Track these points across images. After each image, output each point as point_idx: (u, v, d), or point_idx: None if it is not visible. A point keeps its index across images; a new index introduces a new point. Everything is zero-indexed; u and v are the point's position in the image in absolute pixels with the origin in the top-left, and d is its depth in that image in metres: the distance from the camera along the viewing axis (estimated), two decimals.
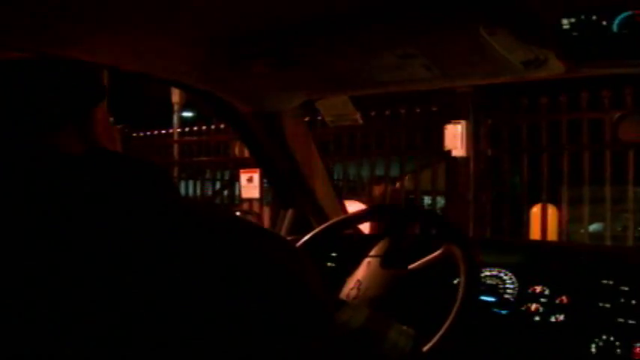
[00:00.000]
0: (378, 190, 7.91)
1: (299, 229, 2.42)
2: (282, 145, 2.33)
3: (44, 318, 0.80)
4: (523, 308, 1.87)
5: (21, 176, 0.88)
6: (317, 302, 0.93)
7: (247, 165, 7.33)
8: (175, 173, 9.65)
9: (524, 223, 6.63)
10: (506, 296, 1.92)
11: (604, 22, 1.33)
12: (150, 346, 0.80)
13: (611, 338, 1.68)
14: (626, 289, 1.77)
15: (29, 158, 0.91)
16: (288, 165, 2.39)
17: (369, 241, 2.03)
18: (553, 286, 1.87)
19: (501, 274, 1.98)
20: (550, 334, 1.79)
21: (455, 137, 6.65)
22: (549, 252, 2.22)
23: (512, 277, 1.96)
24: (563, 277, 1.90)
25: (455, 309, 1.65)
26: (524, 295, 1.90)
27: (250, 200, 7.55)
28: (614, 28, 1.32)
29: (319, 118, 5.63)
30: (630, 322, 1.70)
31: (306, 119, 2.49)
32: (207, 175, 9.73)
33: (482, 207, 6.86)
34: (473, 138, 6.69)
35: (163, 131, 10.06)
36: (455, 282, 1.91)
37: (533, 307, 1.85)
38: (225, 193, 9.53)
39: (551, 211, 6.56)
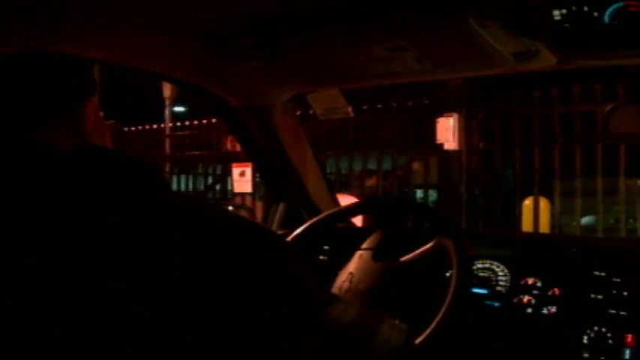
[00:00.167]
0: (370, 183, 7.91)
1: (291, 222, 2.41)
2: (273, 138, 2.33)
3: (31, 314, 0.79)
4: (515, 300, 1.87)
5: (10, 171, 0.87)
6: (308, 297, 0.93)
7: (239, 159, 7.31)
8: (167, 168, 9.63)
9: (517, 216, 6.64)
10: (499, 288, 1.92)
11: (595, 13, 1.32)
12: (140, 342, 0.79)
13: (603, 329, 1.68)
14: (618, 280, 1.77)
15: (18, 153, 0.90)
16: (280, 158, 2.38)
17: (361, 233, 2.03)
18: (545, 278, 1.87)
19: (493, 267, 1.98)
20: (542, 325, 1.79)
21: (447, 130, 6.65)
22: (541, 244, 2.22)
23: (505, 269, 1.96)
24: (555, 269, 1.90)
25: (447, 301, 1.65)
26: (516, 288, 1.90)
27: (243, 194, 7.53)
28: (606, 19, 1.32)
29: (311, 112, 5.62)
30: (622, 313, 1.70)
31: (298, 113, 2.48)
32: (200, 170, 9.72)
33: (475, 200, 6.87)
34: (465, 131, 6.69)
35: (155, 126, 10.03)
36: (447, 274, 1.91)
37: (526, 299, 1.85)
38: (218, 187, 9.52)
39: (544, 203, 6.57)
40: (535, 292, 1.86)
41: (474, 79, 6.33)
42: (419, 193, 7.72)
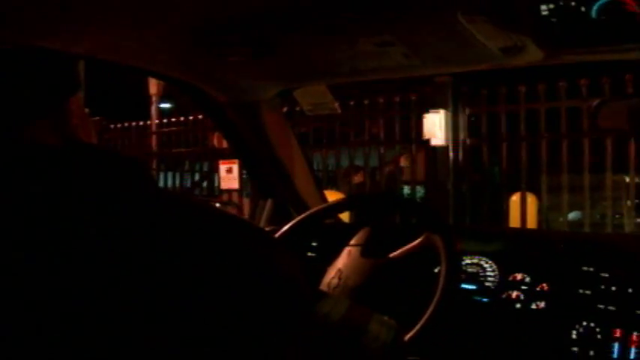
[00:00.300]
0: (357, 178, 7.91)
1: (279, 219, 2.41)
2: (260, 134, 2.32)
3: (18, 312, 0.79)
4: (504, 296, 1.87)
5: None
6: (297, 294, 0.92)
7: (226, 156, 7.30)
8: (154, 165, 9.60)
9: (504, 212, 6.65)
10: (487, 284, 1.92)
11: (583, 8, 1.32)
12: (129, 338, 0.79)
13: (592, 324, 1.69)
14: (607, 275, 1.78)
15: (3, 152, 0.89)
16: (267, 155, 2.38)
17: (349, 230, 2.02)
18: (533, 273, 1.88)
19: (482, 262, 1.98)
20: (531, 321, 1.80)
21: (434, 126, 6.66)
22: (530, 240, 2.22)
23: (493, 264, 1.96)
24: (543, 264, 1.90)
25: (436, 297, 1.65)
26: (504, 283, 1.90)
27: (230, 191, 7.52)
28: (593, 14, 1.32)
29: (298, 108, 5.62)
30: (610, 308, 1.71)
31: (285, 109, 2.48)
32: (186, 167, 9.68)
33: (462, 196, 6.88)
34: (452, 127, 6.70)
35: (141, 123, 10.00)
36: (435, 270, 1.91)
37: (514, 294, 1.86)
38: (205, 184, 9.49)
39: (531, 199, 6.58)
40: (524, 287, 1.86)
41: (460, 75, 6.35)
42: (406, 189, 7.73)
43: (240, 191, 7.50)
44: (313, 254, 2.28)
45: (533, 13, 1.36)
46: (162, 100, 11.44)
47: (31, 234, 0.81)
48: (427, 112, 6.71)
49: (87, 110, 1.11)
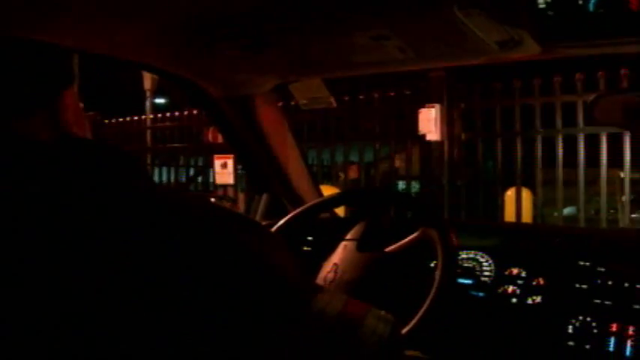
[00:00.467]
0: (352, 173, 7.91)
1: (274, 213, 2.40)
2: (256, 129, 2.31)
3: (12, 306, 0.78)
4: (500, 290, 1.87)
5: None
6: (293, 288, 0.92)
7: (221, 151, 7.29)
8: (148, 160, 9.59)
9: (499, 207, 6.66)
10: (483, 279, 1.92)
11: (580, 2, 1.32)
12: (125, 334, 0.78)
13: (588, 319, 1.69)
14: (603, 270, 1.78)
15: None
16: (263, 149, 2.37)
17: (345, 224, 2.02)
18: (530, 268, 1.88)
19: (478, 257, 1.98)
20: (527, 315, 1.79)
21: (429, 121, 6.66)
22: (526, 234, 2.22)
23: (489, 259, 1.96)
24: (539, 259, 1.90)
25: (432, 291, 1.65)
26: (501, 278, 1.90)
27: (225, 186, 7.52)
28: (590, 7, 1.31)
29: (293, 103, 5.61)
30: (606, 302, 1.71)
31: (280, 104, 2.47)
32: (181, 162, 9.67)
33: (457, 191, 6.89)
34: (447, 122, 6.70)
35: (136, 118, 9.98)
36: (431, 265, 1.91)
37: (510, 289, 1.85)
38: (200, 179, 9.49)
39: (526, 194, 6.60)
40: (520, 282, 1.86)
41: (455, 70, 6.35)
42: (401, 185, 7.74)
43: (235, 186, 7.49)
44: (309, 249, 2.28)
45: (530, 6, 1.36)
46: (157, 95, 11.43)
47: (24, 230, 0.81)
48: (422, 107, 6.70)
49: (82, 105, 1.10)
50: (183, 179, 9.59)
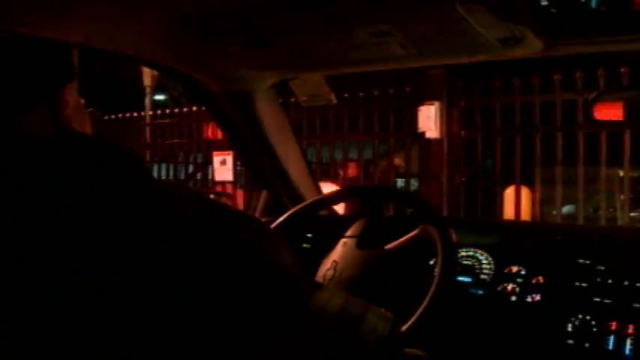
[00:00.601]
0: (352, 170, 7.91)
1: (273, 210, 2.40)
2: (255, 125, 2.31)
3: (11, 303, 0.78)
4: (499, 288, 1.87)
5: None
6: (292, 286, 0.92)
7: (220, 147, 7.29)
8: (148, 156, 9.59)
9: (498, 205, 6.66)
10: (483, 277, 1.92)
11: None
12: (124, 331, 0.78)
13: (587, 317, 1.69)
14: (603, 268, 1.77)
15: None
16: (262, 146, 2.37)
17: (344, 221, 2.02)
18: (529, 266, 1.87)
19: (477, 255, 1.98)
20: (526, 313, 1.79)
21: (428, 119, 6.66)
22: (525, 232, 2.22)
23: (489, 257, 1.95)
24: (539, 257, 1.90)
25: (432, 289, 1.64)
26: (500, 276, 1.89)
27: (224, 183, 7.52)
28: (593, 4, 1.31)
29: (293, 99, 5.61)
30: (606, 301, 1.71)
31: (280, 101, 2.47)
32: (180, 158, 9.67)
33: (456, 189, 6.89)
34: (446, 119, 6.70)
35: (135, 114, 9.98)
36: (431, 262, 1.90)
37: (510, 287, 1.85)
38: (199, 175, 9.48)
39: (525, 192, 6.60)
40: (519, 280, 1.86)
41: (455, 67, 6.35)
42: (400, 182, 7.74)
43: (234, 183, 7.49)
44: (308, 246, 2.27)
45: (532, 3, 1.35)
46: (156, 91, 11.41)
47: (23, 226, 0.80)
48: (422, 104, 6.70)
49: (83, 101, 1.10)
50: (182, 176, 9.59)
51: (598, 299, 1.72)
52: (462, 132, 6.82)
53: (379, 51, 1.71)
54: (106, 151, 0.94)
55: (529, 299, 1.81)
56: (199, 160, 9.40)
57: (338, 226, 2.00)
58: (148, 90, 10.37)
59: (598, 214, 6.35)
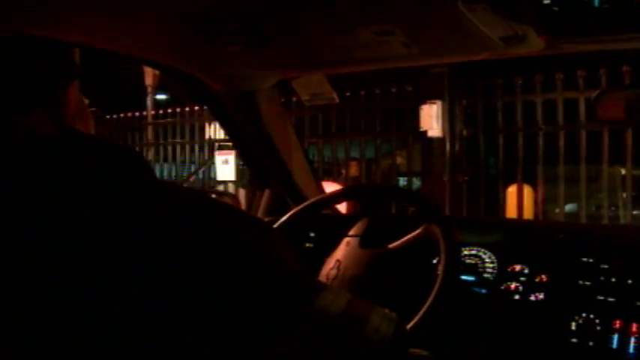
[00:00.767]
0: (354, 169, 7.90)
1: (276, 210, 2.40)
2: (258, 124, 2.31)
3: (11, 302, 0.78)
4: (503, 287, 1.86)
5: None
6: (296, 286, 0.91)
7: (222, 147, 7.29)
8: (149, 156, 9.59)
9: (501, 204, 6.66)
10: (486, 275, 1.91)
11: None
12: (127, 332, 0.78)
13: (591, 316, 1.68)
14: (606, 266, 1.77)
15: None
16: (265, 145, 2.37)
17: (347, 220, 2.02)
18: (533, 264, 1.87)
19: (480, 254, 1.97)
20: (530, 312, 1.79)
21: (430, 118, 6.66)
22: (528, 231, 2.21)
23: (492, 256, 1.95)
24: (542, 255, 1.89)
25: (435, 288, 1.64)
26: (503, 274, 1.89)
27: (226, 182, 7.52)
28: (595, 2, 1.31)
29: (294, 99, 5.62)
30: (610, 299, 1.70)
31: (282, 100, 2.48)
32: (182, 158, 9.68)
33: (458, 187, 6.88)
34: (448, 118, 6.70)
35: (137, 114, 9.98)
36: (434, 261, 1.90)
37: (513, 285, 1.85)
38: (201, 175, 9.49)
39: (527, 191, 6.60)
40: (522, 278, 1.85)
41: (457, 66, 6.35)
42: (402, 181, 7.74)
43: (236, 182, 7.49)
44: (311, 245, 2.27)
45: (534, 1, 1.35)
46: (158, 90, 11.43)
47: (24, 225, 0.80)
48: (424, 103, 6.70)
49: (87, 101, 1.10)
50: (185, 175, 9.60)
51: (602, 298, 1.72)
52: (464, 131, 6.82)
53: (381, 50, 1.70)
54: (108, 151, 0.94)
55: (532, 298, 1.80)
56: (201, 160, 9.41)
57: (341, 226, 2.00)
58: (149, 89, 10.38)
59: (600, 212, 6.35)
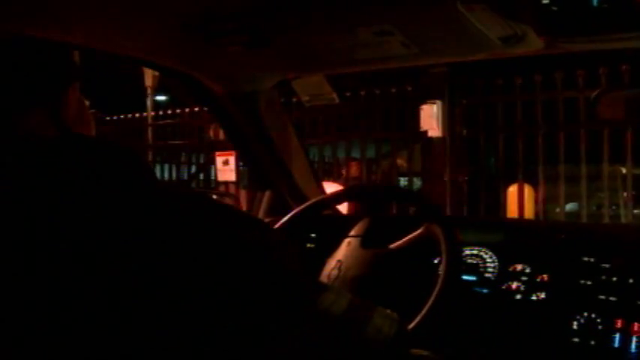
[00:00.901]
0: (354, 170, 7.90)
1: (277, 210, 2.40)
2: (258, 125, 2.31)
3: (14, 305, 0.78)
4: (504, 287, 1.86)
5: None
6: (299, 287, 0.91)
7: (223, 148, 7.28)
8: (150, 157, 9.59)
9: (501, 203, 6.66)
10: (487, 275, 1.91)
11: None
12: (126, 331, 0.78)
13: (593, 315, 1.68)
14: (607, 266, 1.77)
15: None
16: (265, 146, 2.37)
17: (348, 221, 2.02)
18: (534, 264, 1.87)
19: (482, 253, 1.97)
20: (531, 312, 1.79)
21: (431, 118, 6.65)
22: (530, 230, 2.21)
23: (493, 255, 1.95)
24: (543, 255, 1.89)
25: (437, 288, 1.64)
26: (504, 274, 1.89)
27: (226, 183, 7.51)
28: (594, 2, 1.31)
29: (294, 99, 5.61)
30: (611, 298, 1.70)
31: (282, 101, 2.47)
32: (182, 159, 9.67)
33: (459, 187, 6.88)
34: (448, 118, 6.69)
35: (137, 115, 9.97)
36: (435, 261, 1.90)
37: (514, 285, 1.85)
38: (201, 176, 9.48)
39: (528, 190, 6.59)
40: (524, 278, 1.85)
41: (456, 66, 6.34)
42: (402, 181, 7.73)
43: (236, 183, 7.48)
44: (312, 245, 2.27)
45: (533, 1, 1.35)
46: (158, 92, 11.41)
47: (25, 226, 0.80)
48: (424, 103, 6.70)
49: (87, 103, 1.10)
50: (185, 176, 9.59)
51: (603, 297, 1.71)
52: (465, 130, 6.81)
53: (381, 50, 1.71)
54: (108, 152, 0.94)
55: (534, 297, 1.80)
56: (201, 161, 9.40)
57: (342, 226, 2.00)
58: (149, 90, 10.37)
59: (601, 211, 6.34)
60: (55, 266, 0.79)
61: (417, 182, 7.62)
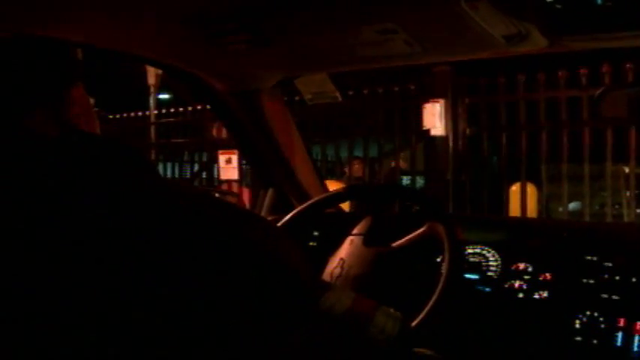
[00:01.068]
0: (356, 168, 7.90)
1: (280, 208, 2.40)
2: (261, 123, 2.31)
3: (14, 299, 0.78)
4: (506, 285, 1.86)
5: None
6: (300, 285, 0.91)
7: (225, 146, 7.28)
8: (153, 155, 9.60)
9: (504, 202, 6.65)
10: (490, 274, 1.91)
11: None
12: (128, 328, 0.78)
13: (595, 314, 1.68)
14: (610, 264, 1.77)
15: (2, 142, 0.89)
16: (268, 144, 2.37)
17: (351, 219, 2.01)
18: (536, 262, 1.87)
19: (484, 252, 1.97)
20: (534, 310, 1.79)
21: (433, 116, 6.65)
22: (532, 229, 2.21)
23: (495, 254, 1.95)
24: (546, 253, 1.89)
25: (439, 287, 1.64)
26: (507, 273, 1.89)
27: (229, 181, 7.51)
28: (598, 0, 1.31)
29: (297, 98, 5.60)
30: (614, 297, 1.70)
31: (284, 99, 2.47)
32: (185, 157, 9.68)
33: (462, 186, 6.87)
34: (451, 117, 6.69)
35: (140, 113, 9.98)
36: (438, 260, 1.90)
37: (517, 284, 1.85)
38: (204, 174, 9.49)
39: (531, 189, 6.59)
40: (526, 277, 1.85)
41: (459, 65, 6.34)
42: (405, 180, 7.73)
43: (239, 181, 7.48)
44: (315, 244, 2.27)
45: None
46: (161, 90, 11.42)
47: (28, 224, 0.80)
48: (427, 102, 6.69)
49: (92, 101, 1.10)
50: (188, 175, 9.59)
51: (605, 296, 1.71)
52: (468, 129, 6.80)
53: (384, 48, 1.70)
54: (112, 150, 0.94)
55: (536, 296, 1.80)
56: (204, 159, 9.41)
57: (344, 224, 1.99)
58: (152, 89, 10.38)
59: (604, 210, 6.33)
60: (57, 265, 0.79)
61: (420, 181, 7.62)
